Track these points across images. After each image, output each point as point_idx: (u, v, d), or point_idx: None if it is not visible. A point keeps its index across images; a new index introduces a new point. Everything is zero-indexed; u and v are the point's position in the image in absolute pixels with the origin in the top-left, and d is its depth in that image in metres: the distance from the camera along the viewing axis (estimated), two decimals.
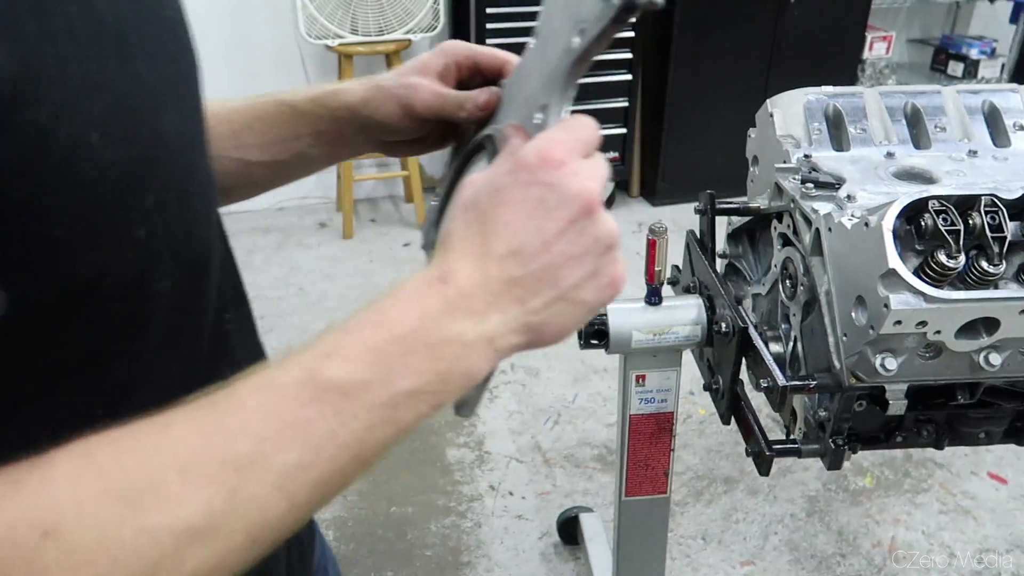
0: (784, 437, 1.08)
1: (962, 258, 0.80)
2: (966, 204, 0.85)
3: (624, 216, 3.52)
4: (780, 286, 1.11)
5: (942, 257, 0.80)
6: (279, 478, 0.35)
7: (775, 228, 1.13)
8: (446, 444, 2.17)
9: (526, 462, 2.10)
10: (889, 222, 0.81)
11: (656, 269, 1.06)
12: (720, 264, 1.32)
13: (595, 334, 1.08)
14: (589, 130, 0.45)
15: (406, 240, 3.29)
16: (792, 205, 1.04)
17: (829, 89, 1.16)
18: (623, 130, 3.38)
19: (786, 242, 1.11)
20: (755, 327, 1.12)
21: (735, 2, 3.32)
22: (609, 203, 3.54)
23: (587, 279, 0.42)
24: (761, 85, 3.39)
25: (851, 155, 1.10)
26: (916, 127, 1.15)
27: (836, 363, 0.92)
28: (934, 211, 0.82)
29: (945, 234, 0.80)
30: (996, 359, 0.86)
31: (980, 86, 1.15)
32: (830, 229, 0.94)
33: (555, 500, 1.97)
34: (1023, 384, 0.95)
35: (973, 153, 1.09)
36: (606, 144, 3.39)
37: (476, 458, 2.12)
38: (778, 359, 1.10)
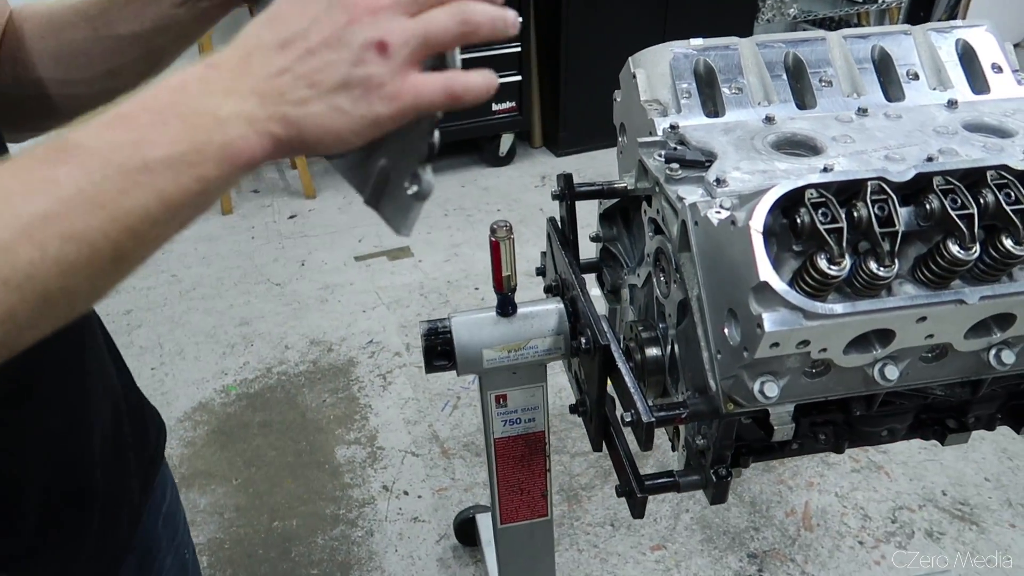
0: (671, 448, 0.94)
1: (846, 263, 0.64)
2: (850, 190, 0.69)
3: (526, 169, 3.34)
4: (654, 280, 0.95)
5: (822, 263, 0.65)
6: (27, 226, 0.37)
7: (645, 212, 0.96)
8: (335, 442, 1.99)
9: (422, 455, 1.95)
10: (759, 222, 0.65)
11: (504, 275, 0.89)
12: (594, 249, 1.15)
13: (439, 354, 0.91)
14: None
15: (292, 211, 3.04)
16: (657, 189, 0.87)
17: (698, 42, 0.98)
18: (518, 77, 3.16)
19: (658, 229, 0.95)
20: (629, 335, 0.97)
21: None
22: (511, 155, 3.34)
23: (342, 87, 0.44)
24: (659, 26, 3.21)
25: (725, 122, 0.93)
26: (799, 81, 0.99)
27: (711, 384, 0.77)
28: (811, 204, 0.66)
29: (825, 234, 0.64)
30: (893, 372, 0.72)
31: (869, 29, 0.99)
32: (696, 223, 0.77)
33: (454, 496, 1.83)
34: (927, 389, 0.82)
35: (863, 112, 0.94)
36: (502, 93, 3.17)
37: (368, 456, 1.95)
38: (655, 365, 0.95)
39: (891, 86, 0.98)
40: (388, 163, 0.53)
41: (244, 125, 0.43)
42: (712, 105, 0.97)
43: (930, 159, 0.83)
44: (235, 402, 2.13)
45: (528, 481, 1.04)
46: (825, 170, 0.81)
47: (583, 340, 0.85)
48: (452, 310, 2.46)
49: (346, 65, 0.44)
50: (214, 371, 2.23)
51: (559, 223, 1.02)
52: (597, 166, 3.30)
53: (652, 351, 0.95)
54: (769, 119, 0.92)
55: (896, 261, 0.66)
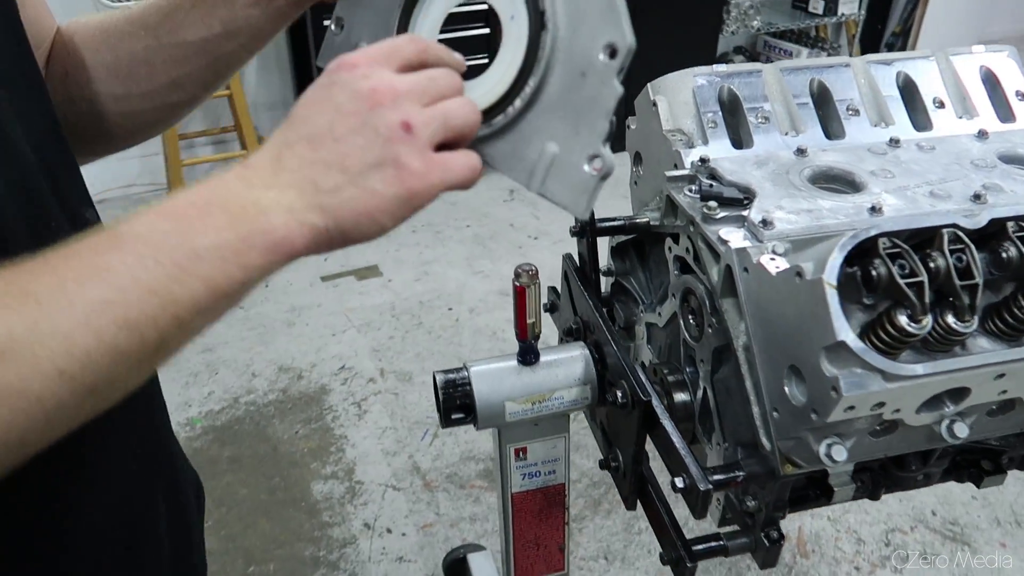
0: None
1: (928, 320, 0.60)
2: (919, 236, 0.65)
3: (494, 182, 3.27)
4: (681, 321, 0.90)
5: (903, 321, 0.60)
6: (84, 314, 0.37)
7: (670, 249, 0.90)
8: (310, 477, 1.89)
9: (404, 489, 1.86)
10: (832, 276, 0.60)
11: (529, 322, 0.82)
12: (604, 283, 1.09)
13: (458, 407, 0.83)
14: (406, 43, 0.50)
15: None
16: (692, 228, 0.81)
17: (722, 68, 0.93)
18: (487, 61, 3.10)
19: (685, 267, 0.89)
20: (653, 378, 0.91)
21: None
22: None
23: (373, 168, 0.46)
24: None
25: (755, 153, 0.88)
26: (824, 109, 0.95)
27: (765, 443, 0.72)
28: (887, 255, 0.61)
29: (906, 290, 0.59)
30: (963, 430, 0.67)
31: (892, 55, 0.96)
32: (746, 270, 0.72)
33: (440, 532, 1.75)
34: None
35: (895, 143, 0.90)
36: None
37: (346, 491, 1.86)
38: (684, 411, 0.89)
39: (917, 114, 0.95)
40: (557, 146, 0.52)
41: (285, 214, 0.44)
42: (736, 134, 0.92)
43: (977, 196, 0.79)
44: (201, 436, 2.01)
45: (546, 535, 0.98)
46: (874, 210, 0.76)
47: (619, 394, 0.79)
48: (427, 332, 2.39)
49: (376, 147, 0.46)
50: (177, 403, 2.11)
51: (577, 260, 0.96)
52: None
53: (680, 396, 0.89)
54: (801, 151, 0.87)
55: (975, 316, 0.62)
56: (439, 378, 0.84)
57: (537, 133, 0.53)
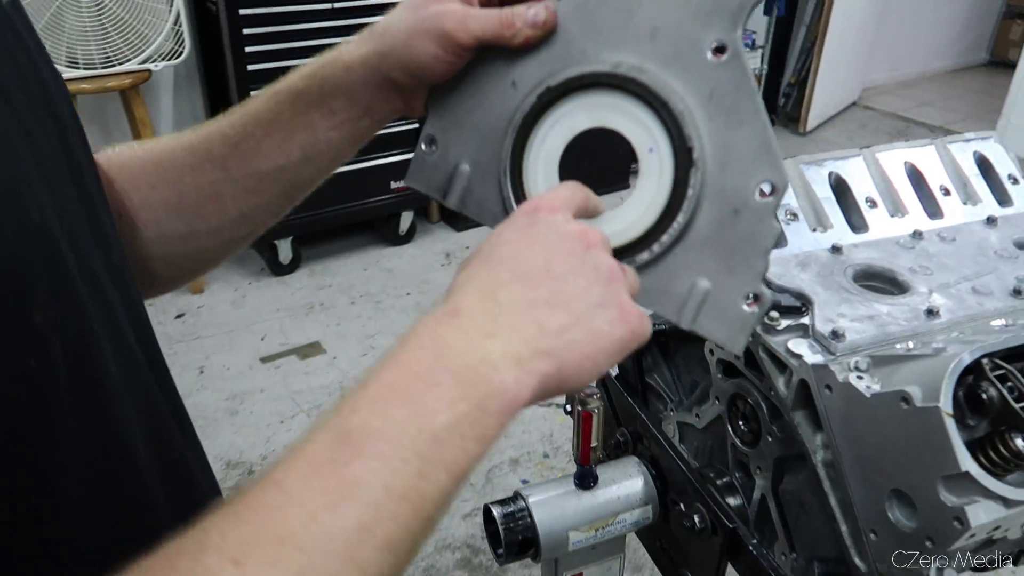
0: None
1: None
2: (1008, 350, 0.65)
3: (428, 246, 3.22)
4: (729, 426, 0.87)
5: (1021, 445, 0.59)
6: (345, 548, 0.32)
7: (712, 352, 0.88)
8: None
9: None
10: (948, 403, 0.59)
11: (592, 446, 0.78)
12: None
13: (520, 543, 0.78)
14: (578, 190, 0.49)
15: (179, 310, 2.74)
16: (751, 339, 0.80)
17: None
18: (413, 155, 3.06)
19: (730, 371, 0.87)
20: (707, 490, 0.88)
21: None
22: (411, 233, 3.21)
23: (598, 307, 0.43)
24: None
25: (793, 254, 0.88)
26: (843, 200, 0.96)
27: (859, 563, 0.70)
28: (995, 377, 0.61)
29: (1022, 414, 0.59)
30: None
31: (895, 145, 0.98)
32: (829, 388, 0.70)
33: None
34: None
35: (918, 235, 0.92)
36: (400, 171, 3.05)
37: None
38: (737, 514, 0.86)
39: (927, 203, 0.98)
40: (710, 283, 0.50)
41: (514, 367, 0.39)
42: None
43: (1018, 292, 0.81)
44: None
45: None
46: (931, 313, 0.77)
47: (696, 518, 0.75)
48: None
49: (598, 286, 0.43)
50: None
51: (616, 369, 0.92)
52: None
53: (732, 500, 0.87)
54: (836, 248, 0.88)
55: None
56: (497, 512, 0.78)
57: (686, 269, 0.51)
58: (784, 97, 4.71)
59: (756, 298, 0.49)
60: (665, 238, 0.50)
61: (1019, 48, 4.41)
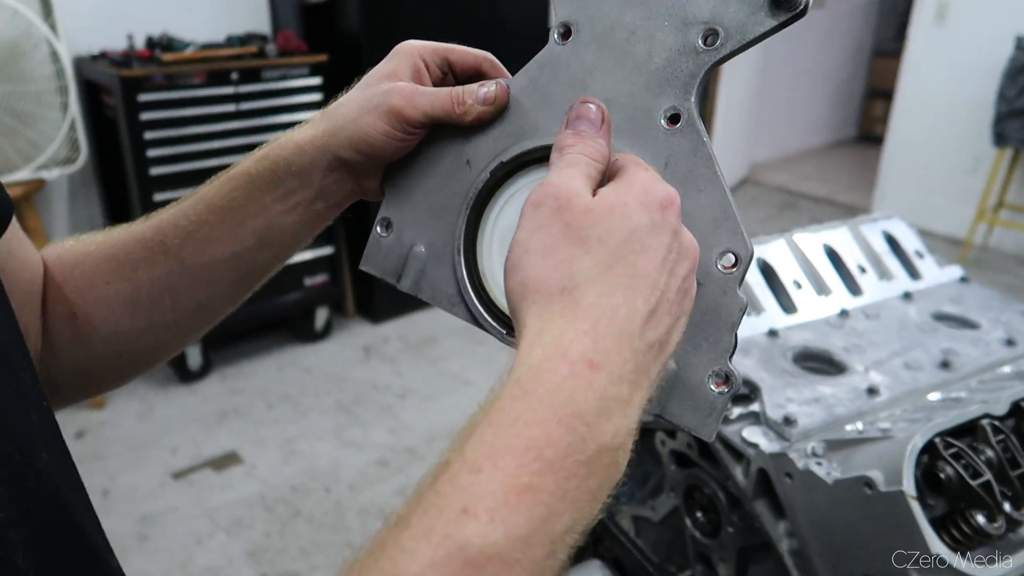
0: None
1: (1002, 519, 0.61)
2: (960, 428, 0.67)
3: (346, 341, 3.14)
4: (687, 518, 0.86)
5: (982, 522, 0.60)
6: None
7: (663, 443, 0.88)
8: None
9: None
10: (911, 487, 0.60)
11: None
12: None
13: None
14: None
15: (78, 428, 2.55)
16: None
17: None
18: (330, 249, 3.02)
19: (683, 461, 0.87)
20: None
21: None
22: (327, 329, 3.14)
23: (685, 296, 0.42)
24: None
25: None
26: (771, 282, 0.99)
27: None
28: (949, 455, 0.62)
29: (982, 493, 0.60)
30: None
31: (814, 227, 1.03)
32: (789, 475, 0.71)
33: None
34: None
35: (844, 314, 0.96)
36: (314, 267, 3.00)
37: None
38: None
39: (848, 281, 1.03)
40: (675, 363, 0.48)
41: (630, 438, 0.37)
42: None
43: (945, 364, 0.85)
44: None
45: None
46: (871, 391, 0.79)
47: None
48: (307, 521, 2.17)
49: (685, 319, 0.42)
50: None
51: None
52: (419, 330, 3.21)
53: None
54: (773, 332, 0.90)
55: None
56: None
57: None
58: None
59: (726, 378, 0.47)
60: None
61: (883, 124, 4.81)
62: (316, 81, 2.82)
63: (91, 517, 0.48)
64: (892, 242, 1.09)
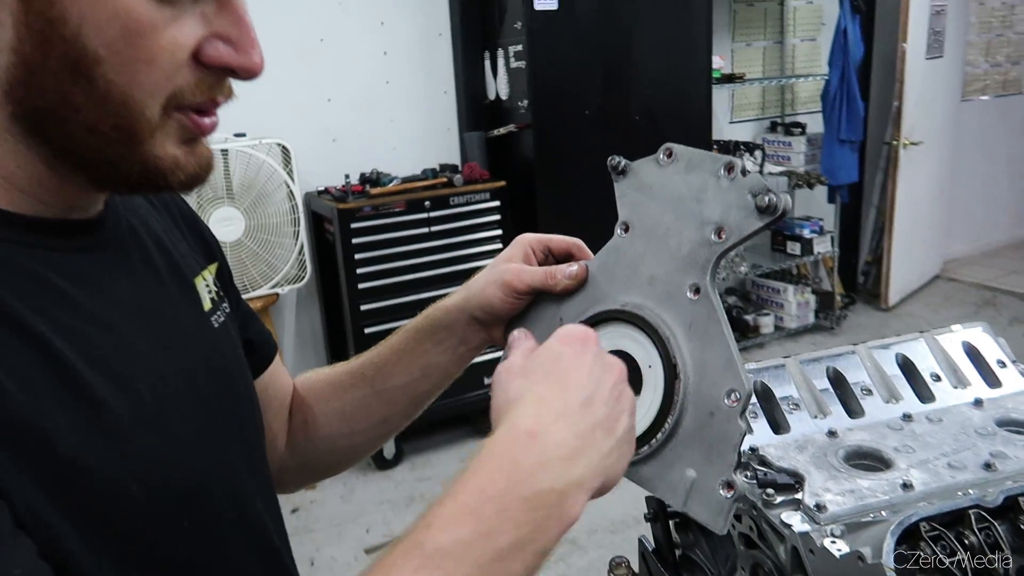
0: None
1: None
2: (951, 515, 0.79)
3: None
4: None
5: None
6: None
7: (734, 526, 1.04)
8: None
9: None
10: (890, 559, 0.74)
11: None
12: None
13: None
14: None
15: (294, 505, 2.99)
16: (754, 512, 0.96)
17: (752, 366, 1.13)
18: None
19: (750, 543, 1.02)
20: None
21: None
22: None
23: (628, 429, 0.55)
24: None
25: (794, 438, 1.05)
26: (841, 390, 1.13)
27: None
28: (930, 537, 0.75)
29: (953, 571, 0.73)
30: None
31: (888, 340, 1.15)
32: (812, 551, 0.85)
33: None
34: None
35: (908, 418, 1.07)
36: (490, 369, 3.32)
37: None
38: None
39: (920, 388, 1.13)
40: (695, 472, 0.62)
41: (578, 491, 0.48)
42: (774, 420, 1.09)
43: (988, 465, 0.94)
44: None
45: None
46: (905, 486, 0.91)
47: None
48: None
49: (626, 414, 0.55)
50: None
51: (652, 543, 1.08)
52: None
53: None
54: (832, 433, 1.04)
55: None
56: None
57: (678, 460, 0.63)
58: (863, 275, 4.84)
59: (730, 485, 0.60)
60: (660, 435, 0.63)
61: None
62: (495, 204, 3.22)
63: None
64: (973, 352, 1.17)
